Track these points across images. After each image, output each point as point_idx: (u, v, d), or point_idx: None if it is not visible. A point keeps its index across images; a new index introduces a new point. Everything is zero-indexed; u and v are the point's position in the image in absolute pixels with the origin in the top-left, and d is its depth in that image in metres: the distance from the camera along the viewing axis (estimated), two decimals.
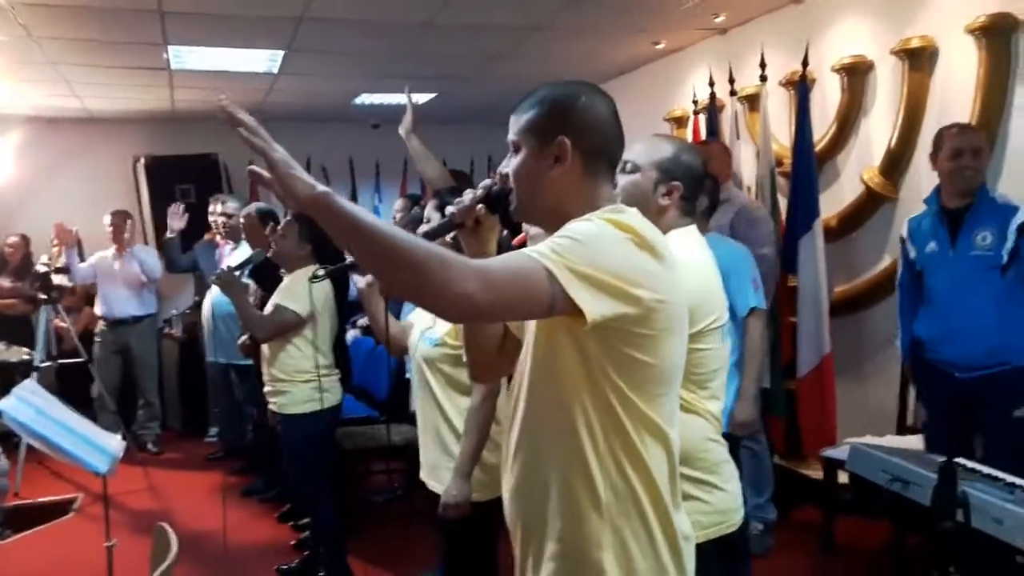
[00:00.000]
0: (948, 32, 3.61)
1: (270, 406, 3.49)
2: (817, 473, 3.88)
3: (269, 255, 3.55)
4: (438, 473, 2.49)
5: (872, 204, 4.05)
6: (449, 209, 1.42)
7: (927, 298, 3.18)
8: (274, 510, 4.53)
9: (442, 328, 2.47)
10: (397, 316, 3.35)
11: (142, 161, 6.98)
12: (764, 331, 3.15)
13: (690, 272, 1.84)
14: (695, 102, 5.15)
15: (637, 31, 4.96)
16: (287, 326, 3.32)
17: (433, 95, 6.53)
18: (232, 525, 3.74)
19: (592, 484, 1.27)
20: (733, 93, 4.75)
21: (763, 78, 4.37)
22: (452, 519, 2.36)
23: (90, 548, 3.13)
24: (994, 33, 3.38)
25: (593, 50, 5.31)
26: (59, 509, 4.69)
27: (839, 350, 4.04)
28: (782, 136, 4.51)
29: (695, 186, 2.05)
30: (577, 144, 1.34)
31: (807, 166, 4.02)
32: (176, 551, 1.95)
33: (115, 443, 2.71)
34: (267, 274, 3.79)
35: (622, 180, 1.96)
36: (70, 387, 5.45)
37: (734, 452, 2.75)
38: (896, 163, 3.90)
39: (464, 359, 1.63)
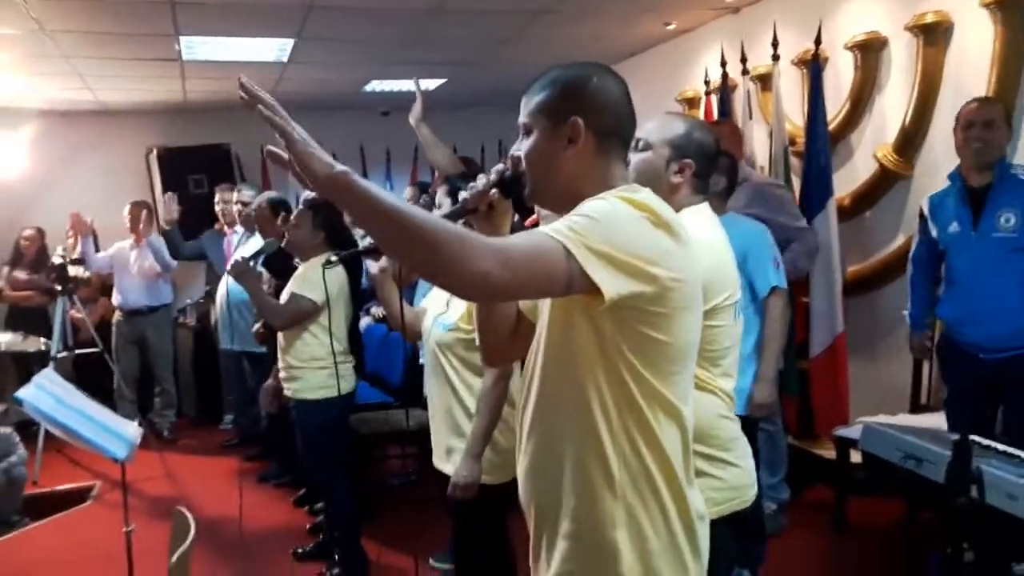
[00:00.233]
0: (963, 7, 3.57)
1: (285, 392, 3.52)
2: (830, 453, 3.88)
3: (283, 245, 3.57)
4: (452, 456, 2.50)
5: (886, 182, 4.01)
6: (462, 194, 1.42)
7: (950, 279, 3.15)
8: (289, 495, 4.58)
9: (455, 313, 2.47)
10: (411, 303, 3.37)
11: (155, 152, 7.03)
12: (785, 311, 3.10)
13: (703, 250, 1.83)
14: (707, 82, 5.12)
15: (647, 12, 4.92)
16: (303, 314, 3.34)
17: (442, 81, 6.52)
18: (248, 510, 3.78)
19: (606, 462, 1.27)
20: (745, 73, 4.72)
21: (775, 57, 4.34)
22: (461, 500, 2.38)
23: (109, 534, 3.17)
24: (1010, 6, 3.33)
25: (603, 32, 5.28)
26: (77, 497, 4.75)
27: (853, 330, 4.02)
28: (795, 115, 4.48)
29: (708, 163, 2.04)
30: (590, 124, 1.33)
31: (820, 145, 4.00)
32: (194, 534, 1.97)
33: (132, 430, 2.73)
34: (280, 263, 3.81)
35: (634, 158, 1.95)
36: (87, 377, 5.51)
37: (752, 434, 2.75)
38: (911, 140, 3.87)
39: (477, 343, 1.63)
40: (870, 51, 4.06)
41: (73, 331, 5.75)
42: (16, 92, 6.12)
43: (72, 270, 5.67)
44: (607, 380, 1.26)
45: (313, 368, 3.36)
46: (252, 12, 4.46)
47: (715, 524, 1.82)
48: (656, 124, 2.00)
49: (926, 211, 3.24)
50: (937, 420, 3.25)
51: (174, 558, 1.90)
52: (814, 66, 4.09)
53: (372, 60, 5.81)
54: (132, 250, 5.78)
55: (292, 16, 4.56)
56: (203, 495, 4.64)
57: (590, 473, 1.28)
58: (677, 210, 1.91)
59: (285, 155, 1.16)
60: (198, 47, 5.14)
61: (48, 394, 2.70)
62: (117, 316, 5.87)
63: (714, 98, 5.05)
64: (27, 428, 4.82)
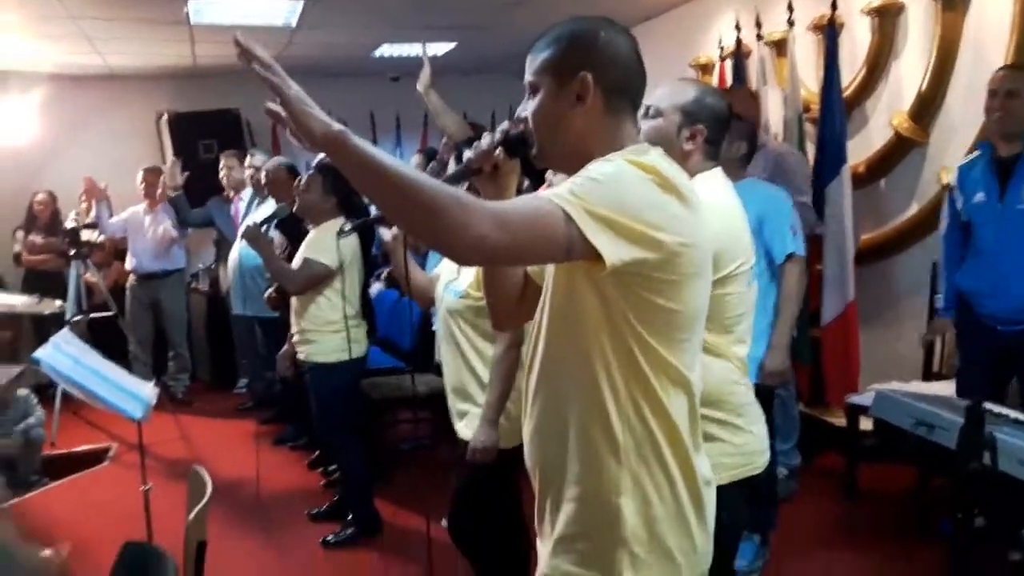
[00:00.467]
0: None
1: (298, 355, 3.54)
2: (840, 420, 3.89)
3: (294, 209, 3.57)
4: (465, 420, 2.53)
5: (901, 149, 3.98)
6: (467, 154, 1.39)
7: (973, 249, 3.08)
8: (304, 457, 4.63)
9: (465, 280, 2.48)
10: (424, 269, 3.37)
11: (165, 117, 7.01)
12: (802, 278, 3.05)
13: (716, 215, 1.83)
14: (721, 48, 5.06)
15: None
16: (317, 278, 3.35)
17: (453, 45, 6.45)
18: (263, 472, 3.83)
19: (610, 428, 1.25)
20: (760, 38, 4.66)
21: (791, 22, 4.28)
22: (480, 464, 2.41)
23: (126, 494, 3.22)
24: None
25: None
26: (94, 458, 4.82)
27: (867, 297, 4.01)
28: (810, 82, 4.43)
29: (720, 129, 2.02)
30: (598, 80, 1.29)
31: (835, 112, 3.95)
32: (211, 491, 1.99)
33: (148, 390, 2.77)
34: (294, 227, 3.82)
35: (645, 125, 1.93)
36: (101, 340, 5.54)
37: (767, 403, 2.74)
38: (927, 107, 3.82)
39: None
40: (887, 16, 3.99)
41: (88, 295, 5.79)
42: (26, 56, 6.10)
43: (85, 234, 5.70)
44: (612, 347, 1.24)
45: (327, 332, 3.38)
46: None
47: (726, 489, 1.84)
48: (667, 90, 1.97)
49: (953, 181, 3.16)
50: (949, 388, 3.23)
51: (191, 516, 1.92)
52: (830, 31, 4.04)
53: (382, 24, 5.75)
54: (147, 215, 5.80)
55: None
56: (218, 457, 4.70)
57: (594, 439, 1.26)
58: (690, 176, 1.91)
59: (283, 112, 1.13)
60: (206, 9, 5.09)
61: (65, 355, 2.73)
62: (131, 280, 5.92)
63: (728, 64, 4.99)
64: (44, 391, 4.88)
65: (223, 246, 5.65)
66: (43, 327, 5.59)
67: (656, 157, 1.27)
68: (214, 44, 6.03)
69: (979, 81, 3.52)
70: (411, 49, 6.40)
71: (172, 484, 3.37)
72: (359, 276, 3.50)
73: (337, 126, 1.10)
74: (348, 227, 2.89)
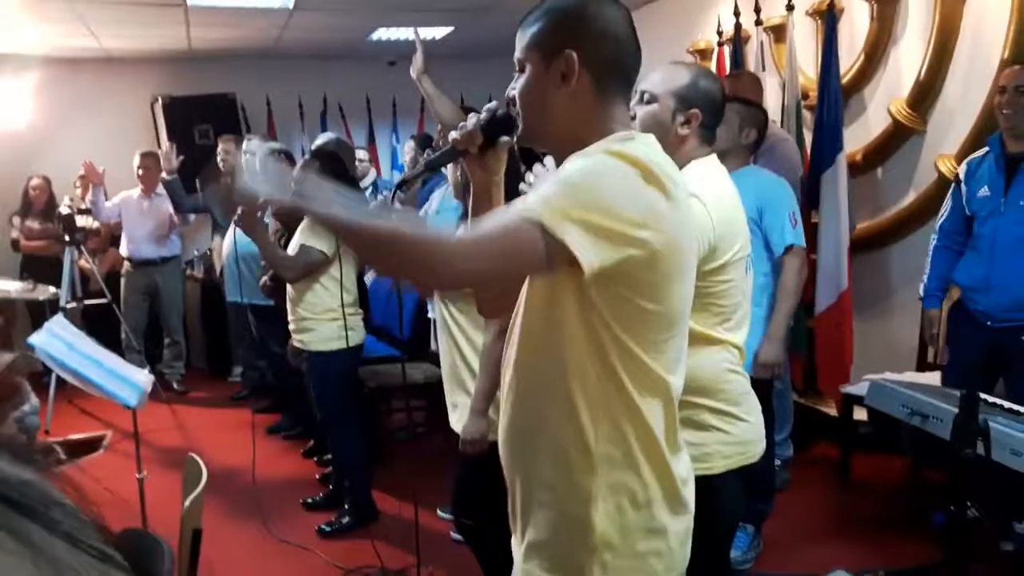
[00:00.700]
0: None
1: (294, 343, 3.53)
2: (832, 410, 3.90)
3: None
4: (456, 411, 2.53)
5: (899, 137, 3.96)
6: (452, 135, 1.34)
7: (973, 244, 3.06)
8: (299, 447, 4.63)
9: None
10: None
11: (160, 101, 6.96)
12: (801, 270, 3.00)
13: (711, 202, 1.82)
14: (720, 33, 5.03)
15: None
16: (314, 265, 3.33)
17: (449, 29, 6.41)
18: (258, 461, 3.83)
19: (583, 435, 1.21)
20: (759, 23, 4.63)
21: (790, 7, 4.26)
22: (470, 455, 2.40)
23: (121, 482, 3.21)
24: None
25: None
26: (89, 446, 4.80)
27: (862, 287, 4.00)
28: (808, 68, 4.40)
29: (715, 113, 2.00)
30: (585, 59, 1.22)
31: (832, 98, 3.93)
32: (206, 478, 1.99)
33: (143, 377, 2.76)
34: (289, 214, 3.79)
35: (639, 111, 1.91)
36: (96, 328, 5.54)
37: (767, 396, 2.72)
38: (925, 94, 3.80)
39: None
40: (886, 2, 3.97)
41: (82, 281, 5.76)
42: (21, 39, 6.04)
43: (80, 220, 5.66)
44: (588, 352, 1.19)
45: (324, 320, 3.37)
46: None
47: (723, 478, 1.85)
48: (660, 75, 1.95)
49: (962, 175, 3.13)
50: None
51: (187, 503, 1.92)
52: (829, 17, 4.01)
53: (378, 7, 5.70)
54: (143, 200, 5.77)
55: None
56: (214, 446, 4.69)
57: (566, 445, 1.23)
58: (685, 162, 1.89)
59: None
60: None
61: (59, 340, 2.72)
62: (127, 267, 5.89)
63: (727, 49, 4.96)
64: (39, 378, 4.86)
65: (221, 233, 5.62)
66: (39, 314, 5.58)
67: (639, 146, 1.21)
68: (210, 27, 5.98)
69: (978, 69, 3.51)
70: (408, 33, 6.33)
71: (167, 472, 3.37)
72: (355, 263, 3.49)
73: (323, 209, 1.16)
74: None
